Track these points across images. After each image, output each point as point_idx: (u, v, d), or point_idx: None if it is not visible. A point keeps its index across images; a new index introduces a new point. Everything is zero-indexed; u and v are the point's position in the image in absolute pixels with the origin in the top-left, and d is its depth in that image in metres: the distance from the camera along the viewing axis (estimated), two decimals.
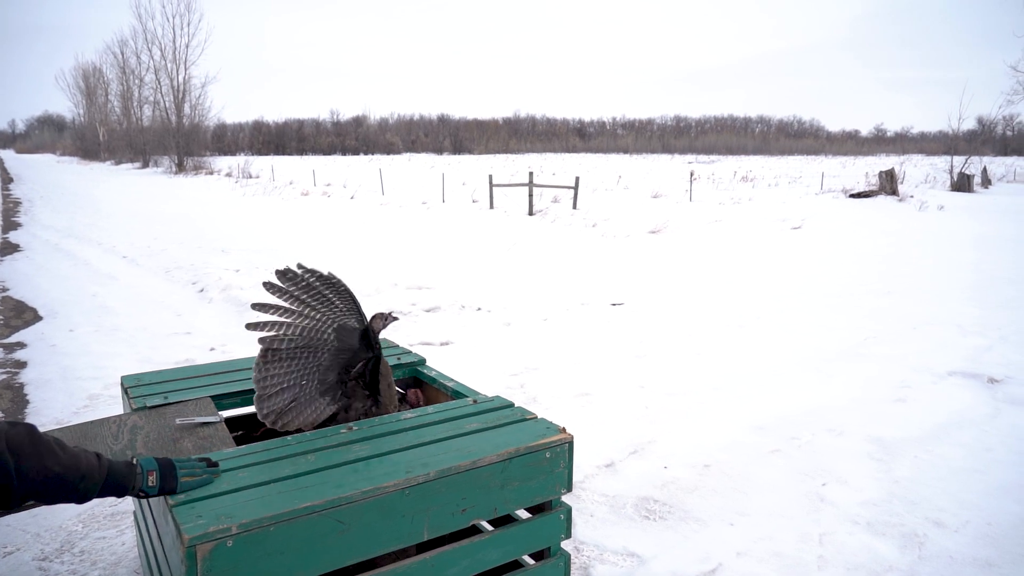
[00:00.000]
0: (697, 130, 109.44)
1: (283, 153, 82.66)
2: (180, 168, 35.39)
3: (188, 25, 38.34)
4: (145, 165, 40.85)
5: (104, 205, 16.08)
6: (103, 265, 7.86)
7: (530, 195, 14.44)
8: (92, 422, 1.73)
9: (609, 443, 3.01)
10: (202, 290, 6.24)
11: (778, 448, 3.02)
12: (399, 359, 2.29)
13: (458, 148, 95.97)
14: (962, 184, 19.08)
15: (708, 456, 2.91)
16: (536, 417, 1.76)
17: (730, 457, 2.91)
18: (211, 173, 32.98)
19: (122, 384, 2.09)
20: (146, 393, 1.96)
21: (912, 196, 16.08)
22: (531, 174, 15.21)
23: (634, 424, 3.27)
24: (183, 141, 36.87)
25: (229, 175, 30.22)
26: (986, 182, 21.12)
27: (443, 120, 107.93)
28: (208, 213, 14.25)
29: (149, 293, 6.29)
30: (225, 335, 4.88)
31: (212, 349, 4.53)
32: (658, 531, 2.35)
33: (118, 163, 45.18)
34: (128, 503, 2.54)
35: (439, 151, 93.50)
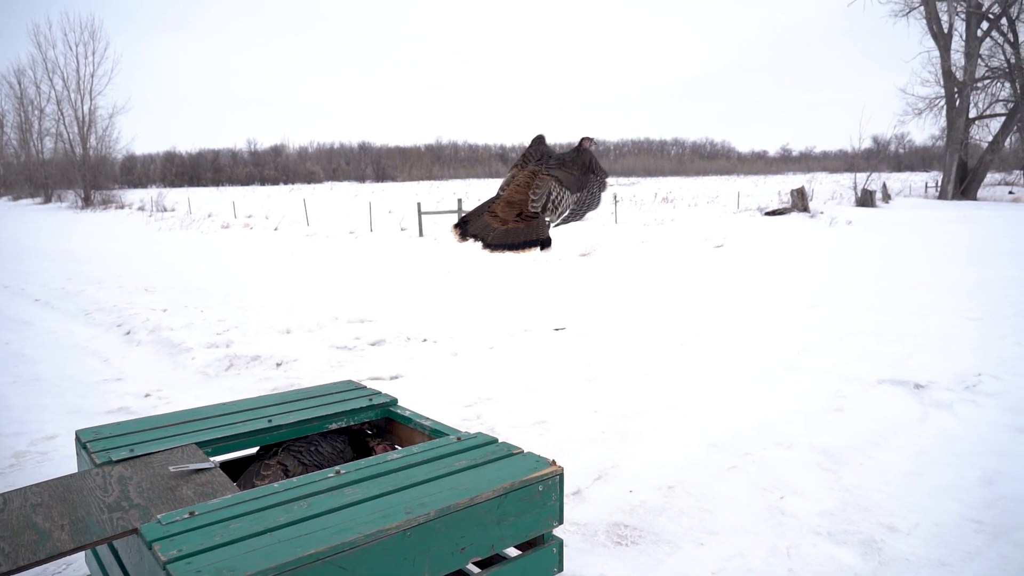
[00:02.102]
0: (616, 153, 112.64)
1: (198, 185, 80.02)
2: (87, 203, 33.73)
3: (93, 54, 36.85)
4: (48, 200, 38.81)
5: (6, 244, 15.14)
6: (13, 310, 7.39)
7: None
8: (73, 475, 1.63)
9: (573, 470, 3.03)
10: (128, 332, 5.95)
11: (735, 464, 3.12)
12: (371, 400, 2.26)
13: (381, 176, 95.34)
14: (866, 200, 20.31)
15: (670, 477, 2.98)
16: (523, 451, 1.77)
17: (691, 476, 2.99)
18: (122, 207, 31.58)
19: (78, 439, 1.97)
20: (109, 447, 1.86)
21: (822, 212, 16.98)
22: (460, 201, 15.29)
23: (594, 449, 3.31)
24: (89, 174, 35.18)
25: (142, 208, 29.02)
26: (886, 197, 22.54)
27: (364, 148, 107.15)
28: (125, 250, 13.63)
29: (70, 338, 5.95)
30: (160, 380, 4.66)
31: (147, 395, 4.32)
32: (632, 556, 2.38)
33: (16, 199, 42.71)
34: (79, 566, 2.38)
35: (362, 179, 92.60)
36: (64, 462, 3.21)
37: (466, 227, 2.06)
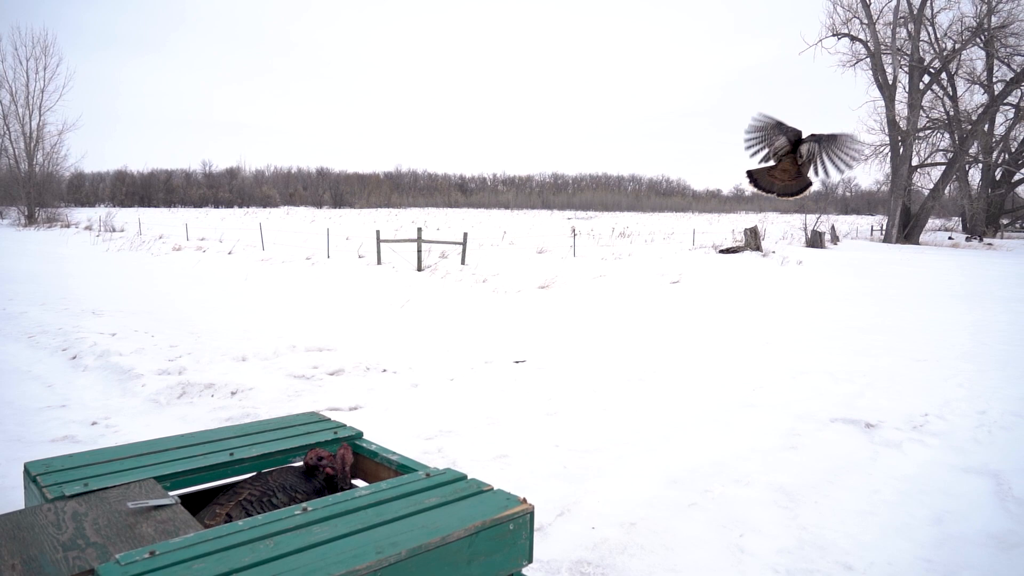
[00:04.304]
0: (574, 187, 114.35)
1: (149, 205, 78.19)
2: (31, 220, 32.64)
3: (44, 69, 35.81)
4: None
5: None
6: None
7: (419, 251, 14.44)
8: (23, 511, 1.55)
9: (536, 506, 3.00)
10: (75, 357, 5.74)
11: (695, 502, 3.15)
12: (336, 433, 2.23)
13: (339, 202, 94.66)
14: (815, 241, 20.96)
15: (632, 513, 2.99)
16: (492, 488, 1.76)
17: (652, 513, 3.00)
18: (68, 226, 30.65)
19: (27, 472, 1.89)
20: (61, 480, 1.78)
21: (774, 252, 17.45)
22: (419, 230, 15.26)
23: (556, 485, 3.30)
24: (35, 191, 34.08)
25: (89, 228, 28.19)
26: (835, 239, 23.31)
27: (322, 173, 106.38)
28: (70, 270, 13.19)
29: (10, 362, 5.70)
30: (107, 407, 4.49)
31: (94, 423, 4.16)
32: None
33: None
34: None
35: (319, 204, 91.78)
36: (4, 493, 3.06)
37: (756, 181, 3.13)
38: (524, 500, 1.67)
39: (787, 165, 3.05)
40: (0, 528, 1.47)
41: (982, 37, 26.91)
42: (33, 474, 1.84)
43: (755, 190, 3.23)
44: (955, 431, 4.28)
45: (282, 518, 1.55)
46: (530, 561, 1.66)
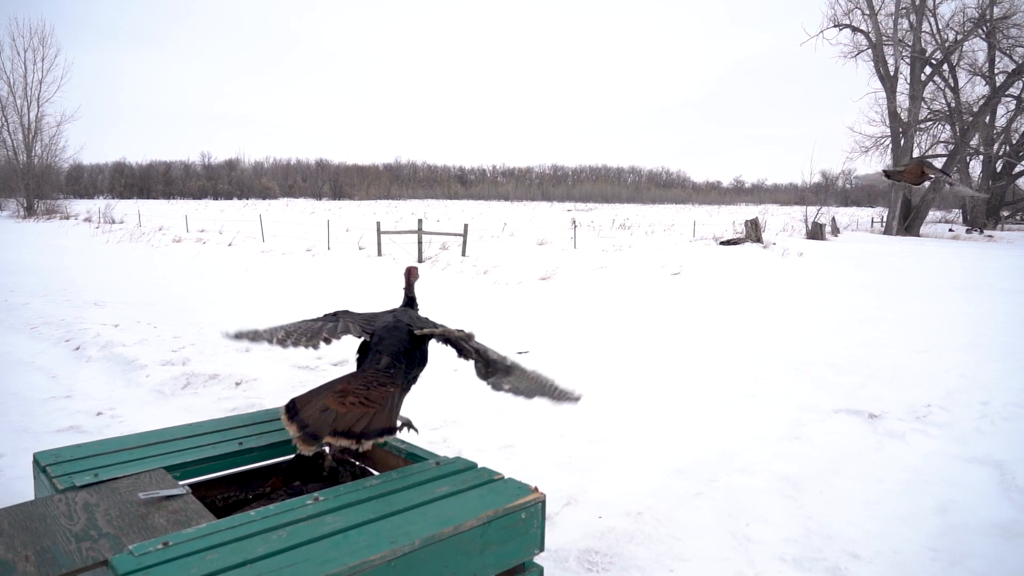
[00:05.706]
0: (574, 179, 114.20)
1: (148, 197, 78.04)
2: (30, 212, 32.63)
3: (43, 60, 35.67)
4: None
5: None
6: None
7: (419, 242, 14.44)
8: (34, 502, 1.55)
9: None
10: (78, 348, 5.74)
11: (700, 491, 3.15)
12: None
13: (338, 193, 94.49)
14: (816, 233, 20.92)
15: (638, 503, 2.99)
16: (503, 477, 1.76)
17: (658, 502, 3.01)
18: (67, 217, 30.64)
19: (36, 462, 1.89)
20: (71, 471, 1.78)
21: (775, 244, 17.43)
22: (420, 221, 15.24)
23: (562, 475, 3.31)
24: (33, 183, 34.04)
25: (88, 220, 28.17)
26: (835, 231, 23.28)
27: (322, 165, 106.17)
28: (71, 262, 13.18)
29: (14, 353, 5.70)
30: (112, 397, 4.50)
31: (99, 414, 4.16)
32: None
33: None
34: None
35: (318, 196, 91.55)
36: (10, 483, 3.07)
37: (889, 175, 4.24)
38: (535, 489, 1.67)
39: (912, 168, 4.45)
40: (12, 519, 1.47)
41: (984, 28, 26.81)
42: (43, 464, 1.84)
43: (888, 180, 4.66)
44: (958, 422, 4.28)
45: (294, 508, 1.55)
46: (542, 550, 1.66)
